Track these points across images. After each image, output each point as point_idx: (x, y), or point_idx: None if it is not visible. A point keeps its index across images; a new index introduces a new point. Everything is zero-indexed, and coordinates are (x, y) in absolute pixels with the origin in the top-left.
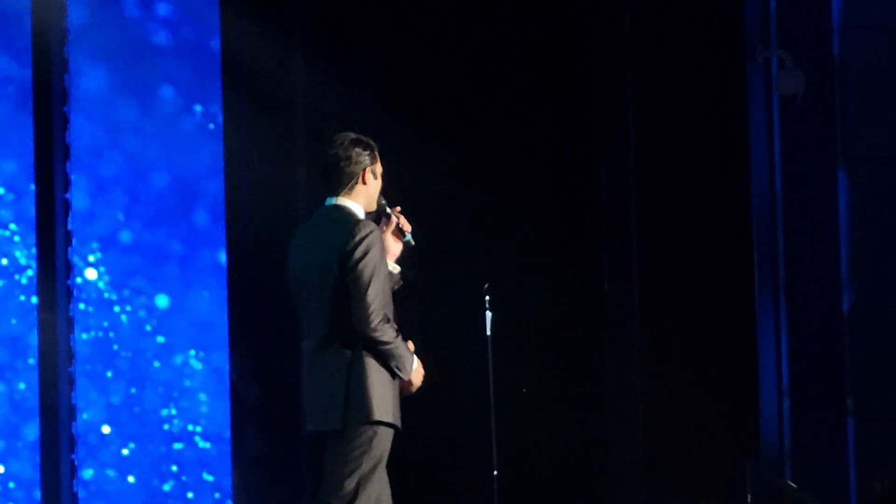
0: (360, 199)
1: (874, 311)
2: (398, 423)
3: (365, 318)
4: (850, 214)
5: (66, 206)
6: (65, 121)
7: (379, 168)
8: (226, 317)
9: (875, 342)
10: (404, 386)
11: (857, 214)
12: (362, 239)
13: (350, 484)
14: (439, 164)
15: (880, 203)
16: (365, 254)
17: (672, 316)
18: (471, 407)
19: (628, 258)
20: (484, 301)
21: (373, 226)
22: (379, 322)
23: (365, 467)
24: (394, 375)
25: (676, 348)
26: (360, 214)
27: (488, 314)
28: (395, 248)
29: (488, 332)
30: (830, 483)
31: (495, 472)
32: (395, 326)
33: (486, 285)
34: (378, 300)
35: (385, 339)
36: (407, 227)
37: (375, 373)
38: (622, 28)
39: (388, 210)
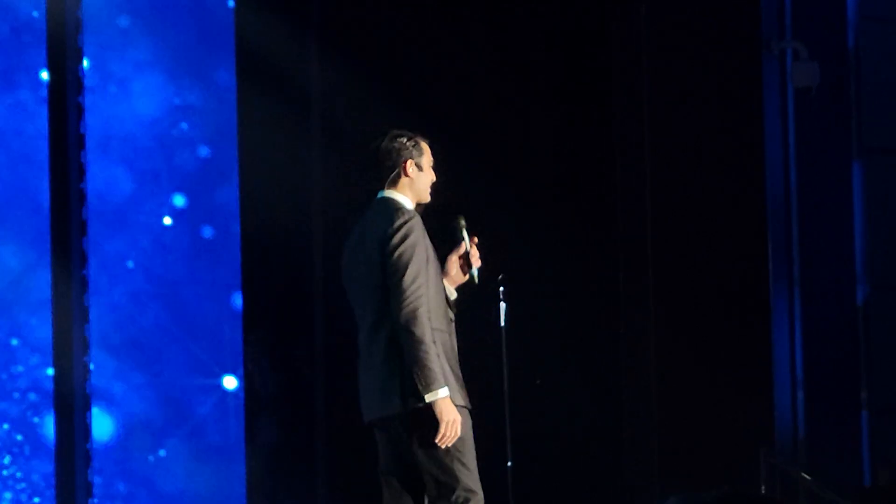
0: (407, 192)
1: (888, 304)
2: (464, 402)
3: (397, 302)
4: (864, 206)
5: (81, 195)
6: (80, 110)
7: (426, 160)
8: (240, 306)
9: (889, 334)
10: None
11: (872, 206)
12: (401, 225)
13: (445, 476)
14: (456, 157)
15: (895, 195)
16: (403, 239)
17: (687, 308)
18: (485, 398)
19: (643, 250)
20: (498, 292)
21: (412, 213)
22: (411, 308)
23: (454, 451)
24: (416, 393)
25: (691, 340)
26: (407, 206)
27: (503, 305)
28: (457, 275)
29: (502, 324)
30: (844, 474)
31: (509, 464)
32: (439, 329)
33: (500, 276)
34: (415, 286)
35: (413, 329)
36: (476, 263)
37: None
38: (638, 20)
39: (465, 235)
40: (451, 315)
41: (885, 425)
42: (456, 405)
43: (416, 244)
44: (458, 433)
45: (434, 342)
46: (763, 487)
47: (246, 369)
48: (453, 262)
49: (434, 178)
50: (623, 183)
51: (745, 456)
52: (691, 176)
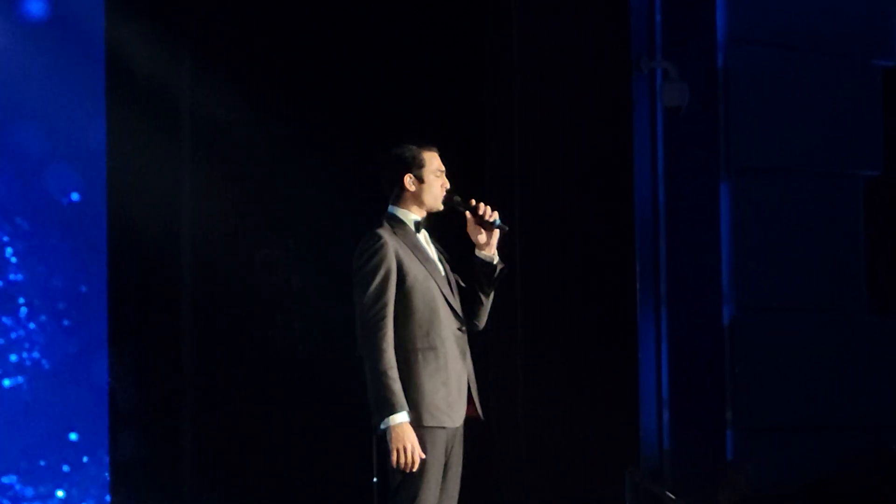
0: (411, 206)
1: (754, 324)
2: (440, 422)
3: (357, 328)
4: (731, 226)
5: None
6: None
7: (428, 170)
8: (105, 319)
9: (754, 355)
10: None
11: (739, 227)
12: (362, 251)
13: (382, 497)
14: (327, 170)
15: (762, 215)
16: (362, 266)
17: (554, 326)
18: (353, 415)
19: (511, 268)
20: None
21: (379, 238)
22: (365, 336)
23: (396, 477)
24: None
25: (558, 358)
26: (406, 220)
27: None
28: (486, 239)
29: None
30: (708, 493)
31: (374, 479)
32: (429, 347)
33: None
34: (371, 312)
35: (367, 356)
36: (491, 216)
37: (404, 373)
38: (509, 39)
39: (461, 207)
40: (457, 326)
41: (749, 445)
42: (428, 426)
43: (377, 268)
44: (416, 459)
45: (389, 369)
46: None
47: (110, 384)
48: (472, 231)
49: (446, 185)
50: (491, 200)
51: (611, 475)
52: (560, 193)
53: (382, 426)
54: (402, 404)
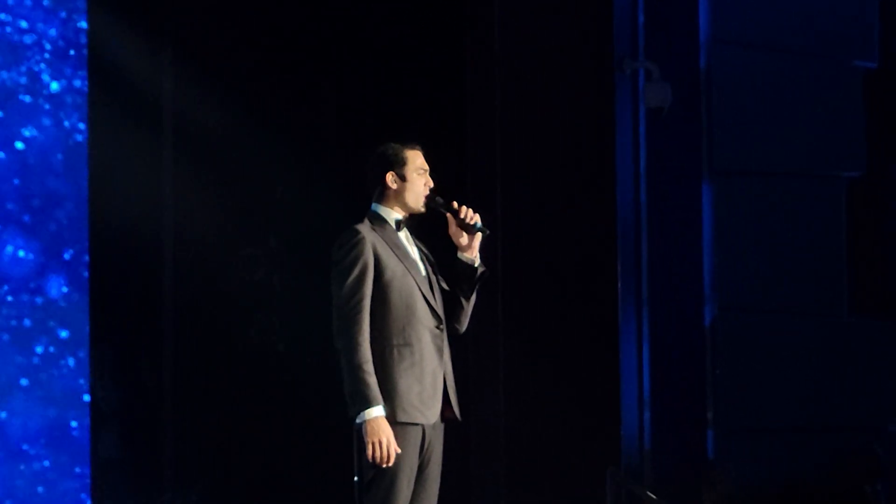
0: (393, 204)
1: (736, 325)
2: (415, 419)
3: (334, 322)
4: (713, 228)
5: None
6: None
7: (409, 169)
8: (87, 319)
9: (736, 355)
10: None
11: (721, 228)
12: (340, 246)
13: (359, 493)
14: (311, 170)
15: (744, 216)
16: (338, 261)
17: (535, 326)
18: (335, 414)
19: (492, 269)
20: None
21: (357, 233)
22: (340, 330)
23: (369, 473)
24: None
25: (539, 358)
26: (388, 219)
27: None
28: (467, 241)
29: None
30: (689, 493)
31: (356, 479)
32: (404, 344)
33: None
34: (347, 307)
35: (343, 350)
36: (472, 219)
37: (379, 368)
38: (491, 38)
39: (442, 209)
40: (435, 324)
41: (730, 445)
42: (401, 421)
43: (355, 262)
44: (392, 453)
45: (365, 362)
46: None
47: (91, 383)
48: (454, 233)
49: (430, 185)
50: (473, 200)
51: (592, 475)
52: (542, 193)
53: (358, 420)
54: (377, 398)
